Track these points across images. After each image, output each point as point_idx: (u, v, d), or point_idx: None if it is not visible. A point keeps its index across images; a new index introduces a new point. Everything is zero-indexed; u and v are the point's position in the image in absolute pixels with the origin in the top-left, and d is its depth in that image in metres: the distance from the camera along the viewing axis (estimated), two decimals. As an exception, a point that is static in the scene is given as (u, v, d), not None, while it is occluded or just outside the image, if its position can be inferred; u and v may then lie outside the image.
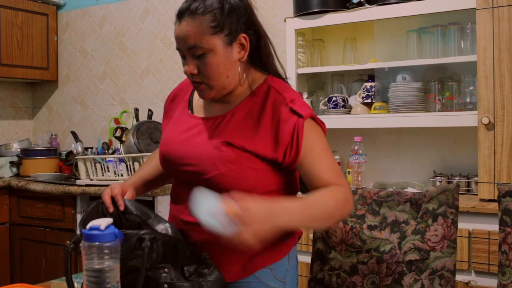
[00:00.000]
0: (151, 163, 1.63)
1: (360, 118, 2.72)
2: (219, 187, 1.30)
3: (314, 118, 1.39)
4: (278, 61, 1.50)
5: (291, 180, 1.46)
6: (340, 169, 1.40)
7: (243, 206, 1.12)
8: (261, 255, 1.41)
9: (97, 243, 1.04)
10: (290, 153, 1.34)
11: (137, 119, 3.50)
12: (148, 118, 3.45)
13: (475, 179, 2.44)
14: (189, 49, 1.31)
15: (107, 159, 3.09)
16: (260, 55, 1.43)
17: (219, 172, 1.32)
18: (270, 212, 1.17)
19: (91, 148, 3.54)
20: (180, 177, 1.45)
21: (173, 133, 1.46)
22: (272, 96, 1.38)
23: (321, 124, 1.41)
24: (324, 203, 1.29)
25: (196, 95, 1.49)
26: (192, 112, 1.48)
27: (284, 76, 1.50)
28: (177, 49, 1.35)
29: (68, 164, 3.70)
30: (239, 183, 1.32)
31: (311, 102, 2.95)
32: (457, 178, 2.59)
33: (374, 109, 2.71)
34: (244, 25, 1.35)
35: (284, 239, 1.45)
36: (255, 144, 1.34)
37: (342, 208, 1.32)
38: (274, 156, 1.34)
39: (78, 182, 3.20)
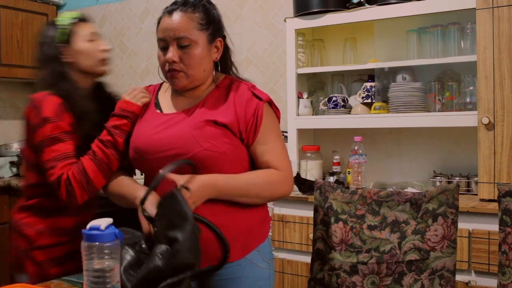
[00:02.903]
0: (128, 180, 1.67)
1: (360, 118, 2.72)
2: (202, 165, 1.42)
3: (271, 104, 1.58)
4: (237, 70, 1.68)
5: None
6: (287, 154, 1.59)
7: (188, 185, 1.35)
8: (252, 238, 1.54)
9: (97, 243, 1.04)
10: (250, 130, 1.50)
11: (137, 119, 3.50)
12: (148, 118, 3.45)
13: (475, 179, 2.44)
14: (176, 39, 1.48)
15: (107, 159, 3.09)
16: (226, 63, 1.64)
17: (203, 148, 1.44)
18: (207, 186, 1.41)
19: (91, 148, 3.54)
20: (155, 168, 1.46)
21: (145, 129, 1.55)
22: (235, 84, 1.57)
23: (276, 110, 1.60)
24: (253, 182, 1.50)
25: (162, 96, 1.62)
26: (161, 111, 1.59)
27: (239, 76, 1.68)
28: (161, 39, 1.50)
29: (68, 164, 3.69)
30: (221, 159, 1.46)
31: (311, 102, 2.95)
32: (457, 178, 2.59)
33: (374, 109, 2.71)
34: (220, 32, 1.58)
35: (262, 222, 1.59)
36: (229, 120, 1.49)
37: (271, 189, 1.53)
38: (241, 132, 1.50)
39: (78, 182, 3.20)
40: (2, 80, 4.05)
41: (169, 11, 1.52)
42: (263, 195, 1.53)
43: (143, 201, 1.35)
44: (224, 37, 1.60)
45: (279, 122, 1.62)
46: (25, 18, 3.95)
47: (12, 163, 3.78)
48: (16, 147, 3.90)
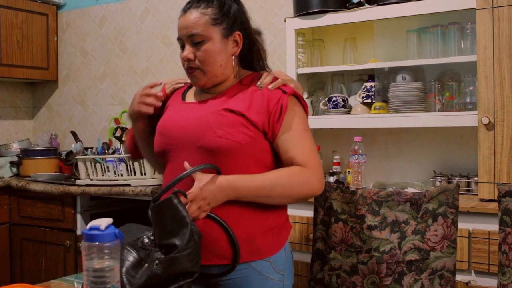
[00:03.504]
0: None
1: (360, 118, 2.72)
2: (215, 153, 1.41)
3: (298, 97, 1.53)
4: (267, 65, 1.66)
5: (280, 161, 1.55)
6: (315, 150, 1.50)
7: (196, 190, 1.34)
8: (260, 247, 1.47)
9: (97, 243, 1.04)
10: (273, 123, 1.46)
11: (137, 119, 3.50)
12: (148, 118, 3.44)
13: (475, 179, 2.44)
14: (189, 36, 1.48)
15: (107, 159, 3.09)
16: (252, 59, 1.61)
17: (216, 135, 1.42)
18: (223, 190, 1.39)
19: (91, 148, 3.54)
20: (176, 151, 1.49)
21: (169, 116, 1.57)
22: (259, 76, 1.55)
23: (304, 104, 1.55)
24: (275, 182, 1.44)
25: (189, 92, 1.63)
26: (185, 101, 1.63)
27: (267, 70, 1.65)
28: (178, 38, 1.51)
29: (68, 164, 3.69)
30: (236, 148, 1.42)
31: (311, 102, 2.95)
32: (457, 178, 2.59)
33: (374, 109, 2.71)
34: (239, 26, 1.53)
35: (278, 232, 1.53)
36: (250, 111, 1.46)
37: (296, 189, 1.45)
38: (263, 124, 1.46)
39: (78, 182, 3.20)
40: (2, 80, 4.05)
41: (184, 10, 1.52)
42: (288, 195, 1.46)
43: (156, 199, 1.34)
44: (245, 31, 1.55)
45: (307, 116, 1.56)
46: (25, 18, 3.95)
47: (12, 163, 3.78)
48: (16, 147, 3.90)
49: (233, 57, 1.54)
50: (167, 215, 1.27)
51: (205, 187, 1.36)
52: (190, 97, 1.62)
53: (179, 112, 1.56)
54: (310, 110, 2.90)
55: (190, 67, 1.50)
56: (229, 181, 1.40)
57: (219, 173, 1.40)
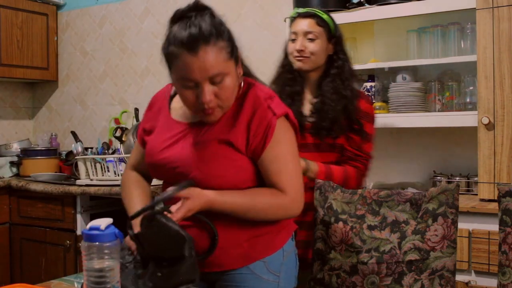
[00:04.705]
0: (137, 191, 1.62)
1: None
2: (203, 186, 1.37)
3: (288, 117, 1.45)
4: (248, 68, 1.53)
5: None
6: (297, 175, 1.47)
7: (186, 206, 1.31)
8: (254, 248, 1.46)
9: (97, 243, 1.04)
10: (256, 145, 1.40)
11: (137, 119, 3.50)
12: (148, 118, 3.44)
13: (475, 179, 2.44)
14: (210, 77, 1.31)
15: (107, 159, 3.09)
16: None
17: (200, 171, 1.39)
18: (203, 196, 1.35)
19: (91, 148, 3.54)
20: (169, 180, 1.48)
21: (158, 141, 1.50)
22: (252, 92, 1.44)
23: (294, 126, 1.47)
24: (253, 204, 1.41)
25: (176, 102, 1.52)
26: (176, 119, 1.51)
27: (255, 75, 1.54)
28: (187, 79, 1.32)
29: (68, 164, 3.69)
30: (219, 182, 1.39)
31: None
32: (457, 178, 2.59)
33: (374, 109, 2.71)
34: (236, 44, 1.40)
35: (277, 233, 1.51)
36: (235, 134, 1.40)
37: (272, 213, 1.45)
38: (246, 145, 1.40)
39: (78, 182, 3.20)
40: (2, 80, 4.05)
41: (189, 45, 1.29)
42: (262, 217, 1.45)
43: (132, 217, 1.31)
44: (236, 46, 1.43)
45: (296, 135, 1.49)
46: (25, 18, 3.95)
47: (12, 163, 3.78)
48: (16, 147, 3.90)
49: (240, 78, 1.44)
50: (158, 235, 1.26)
51: (192, 202, 1.34)
52: (179, 109, 1.51)
53: (167, 140, 1.47)
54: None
55: (210, 108, 1.35)
56: (207, 194, 1.37)
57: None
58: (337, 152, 2.01)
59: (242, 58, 1.47)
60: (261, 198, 1.43)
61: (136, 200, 1.56)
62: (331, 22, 2.06)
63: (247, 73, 1.49)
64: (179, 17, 1.35)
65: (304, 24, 2.03)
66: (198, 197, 1.34)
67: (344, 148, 2.01)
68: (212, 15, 1.35)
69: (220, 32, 1.33)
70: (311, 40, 2.02)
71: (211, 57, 1.29)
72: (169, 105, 1.54)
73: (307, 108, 2.05)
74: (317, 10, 2.07)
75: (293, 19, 2.08)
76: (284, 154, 1.43)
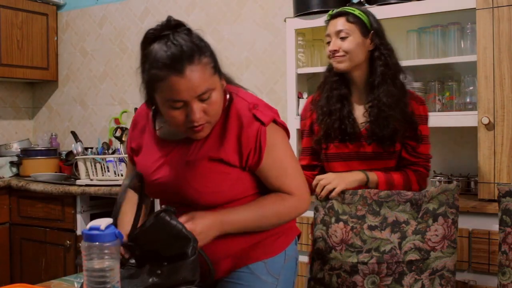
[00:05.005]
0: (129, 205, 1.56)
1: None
2: (197, 204, 1.36)
3: (276, 122, 1.42)
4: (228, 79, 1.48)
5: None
6: (298, 173, 1.47)
7: (190, 228, 1.26)
8: (255, 250, 1.46)
9: (97, 243, 1.04)
10: (252, 158, 1.38)
11: (137, 119, 3.50)
12: (148, 118, 3.44)
13: (475, 179, 2.44)
14: (198, 96, 1.28)
15: (107, 159, 3.09)
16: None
17: (194, 189, 1.37)
18: (215, 226, 1.34)
19: (91, 148, 3.54)
20: (166, 198, 1.48)
21: (148, 163, 1.47)
22: (235, 103, 1.40)
23: (283, 127, 1.45)
24: (263, 214, 1.41)
25: (159, 119, 1.49)
26: (162, 138, 1.47)
27: (235, 82, 1.50)
28: (177, 100, 1.28)
29: (68, 164, 3.70)
30: (215, 198, 1.38)
31: (311, 102, 2.95)
32: (457, 178, 2.59)
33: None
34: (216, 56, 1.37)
35: (279, 236, 1.50)
36: (225, 151, 1.37)
37: (284, 215, 1.45)
38: (239, 161, 1.38)
39: (78, 182, 3.20)
40: (2, 80, 4.05)
41: (176, 69, 1.25)
42: (276, 224, 1.46)
43: (115, 218, 1.25)
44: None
45: (288, 137, 1.48)
46: (25, 18, 3.95)
47: (12, 163, 3.78)
48: (16, 147, 3.90)
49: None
50: (162, 233, 1.25)
51: (198, 222, 1.31)
52: (162, 128, 1.48)
53: (156, 162, 1.45)
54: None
55: (199, 125, 1.32)
56: (218, 220, 1.35)
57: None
58: (395, 157, 1.95)
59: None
60: (270, 206, 1.43)
61: (122, 216, 1.49)
62: (365, 16, 1.95)
63: (228, 81, 1.44)
64: (153, 38, 1.34)
65: (334, 24, 1.95)
66: (210, 226, 1.32)
67: (402, 153, 1.94)
68: (188, 31, 1.32)
69: (201, 48, 1.30)
70: (343, 38, 1.91)
71: (198, 75, 1.27)
72: (153, 123, 1.50)
73: (359, 113, 1.95)
74: (349, 7, 1.98)
75: (327, 22, 2.01)
76: (281, 157, 1.42)
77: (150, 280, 1.22)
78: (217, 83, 1.33)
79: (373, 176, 1.88)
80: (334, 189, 1.80)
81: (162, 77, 1.27)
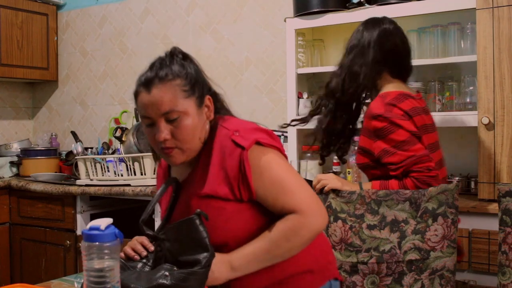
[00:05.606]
0: None
1: (360, 118, 2.71)
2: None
3: (261, 143, 1.33)
4: (227, 109, 1.48)
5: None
6: (300, 187, 1.33)
7: None
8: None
9: (97, 243, 1.04)
10: (243, 187, 1.32)
11: (137, 119, 3.50)
12: (148, 118, 3.44)
13: (475, 179, 2.44)
14: (163, 115, 1.30)
15: (107, 159, 3.09)
16: (217, 110, 1.43)
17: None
18: (222, 262, 1.28)
19: (91, 148, 3.54)
20: None
21: (164, 202, 1.48)
22: (218, 132, 1.38)
23: (271, 145, 1.35)
24: (271, 241, 1.30)
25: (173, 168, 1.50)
26: (173, 175, 1.48)
27: (230, 112, 1.47)
28: (145, 117, 1.33)
29: (68, 164, 3.70)
30: (215, 235, 1.30)
31: (311, 102, 2.95)
32: (457, 178, 2.59)
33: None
34: (206, 88, 1.39)
35: (306, 275, 1.40)
36: (211, 185, 1.33)
37: (294, 238, 1.30)
38: (232, 193, 1.32)
39: (78, 182, 3.20)
40: (2, 80, 4.05)
41: (145, 84, 1.32)
42: (289, 246, 1.31)
43: (143, 220, 1.32)
44: (210, 91, 1.41)
45: (280, 150, 1.37)
46: (25, 18, 3.95)
47: (12, 163, 3.78)
48: (16, 147, 3.90)
49: (208, 122, 1.39)
50: (187, 235, 1.26)
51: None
52: (174, 172, 1.49)
53: (167, 202, 1.46)
54: (310, 110, 2.88)
55: (167, 147, 1.32)
56: (226, 256, 1.30)
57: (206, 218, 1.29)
58: (372, 168, 1.99)
59: (221, 102, 1.44)
60: (275, 230, 1.31)
61: None
62: None
63: (223, 112, 1.44)
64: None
65: None
66: (218, 264, 1.28)
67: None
68: (184, 57, 1.37)
69: (179, 72, 1.33)
70: None
71: (163, 93, 1.30)
72: (168, 171, 1.53)
73: None
74: None
75: None
76: (273, 177, 1.32)
77: (156, 282, 1.22)
78: (189, 109, 1.32)
79: (367, 187, 1.88)
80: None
81: (136, 93, 1.36)
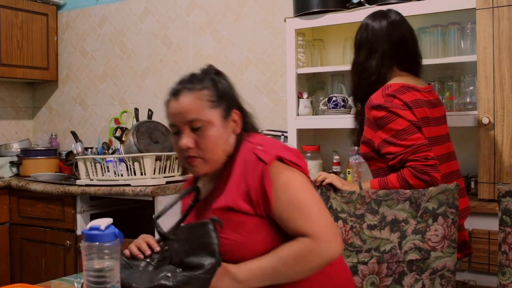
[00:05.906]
0: None
1: (360, 118, 2.72)
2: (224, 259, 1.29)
3: (283, 160, 1.33)
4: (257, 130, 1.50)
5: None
6: (318, 212, 1.31)
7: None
8: None
9: (97, 243, 1.04)
10: (262, 203, 1.31)
11: (137, 119, 3.50)
12: (148, 118, 3.45)
13: (475, 179, 2.44)
14: (188, 122, 1.35)
15: (107, 159, 3.09)
16: (245, 127, 1.45)
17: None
18: (226, 272, 1.27)
19: (91, 148, 3.54)
20: None
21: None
22: (242, 147, 1.39)
23: (294, 163, 1.35)
24: (282, 257, 1.29)
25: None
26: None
27: (258, 131, 1.50)
28: (172, 124, 1.38)
29: (68, 164, 3.70)
30: (235, 249, 1.31)
31: (311, 102, 2.95)
32: (457, 178, 2.58)
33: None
34: (235, 103, 1.43)
35: None
36: (232, 198, 1.33)
37: (303, 262, 1.29)
38: (252, 207, 1.32)
39: (78, 182, 3.20)
40: (2, 80, 4.05)
41: (174, 93, 1.38)
42: (296, 268, 1.29)
43: (157, 217, 1.33)
44: (240, 108, 1.43)
45: (303, 170, 1.37)
46: (25, 18, 3.95)
47: (12, 163, 3.78)
48: (16, 147, 3.90)
49: (234, 136, 1.40)
50: (197, 238, 1.25)
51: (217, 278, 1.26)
52: (201, 186, 1.49)
53: (191, 217, 1.46)
54: (310, 110, 2.89)
55: (190, 156, 1.35)
56: (231, 266, 1.30)
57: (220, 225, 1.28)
58: (375, 159, 1.99)
59: (250, 120, 1.47)
60: (285, 249, 1.29)
61: None
62: None
63: (251, 129, 1.46)
64: None
65: None
66: (220, 273, 1.26)
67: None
68: (215, 73, 1.42)
69: (207, 84, 1.38)
70: None
71: (189, 101, 1.35)
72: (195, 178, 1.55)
73: None
74: None
75: None
76: (291, 197, 1.31)
77: (157, 282, 1.21)
78: (214, 119, 1.35)
79: (366, 186, 1.88)
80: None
81: (166, 102, 1.41)
